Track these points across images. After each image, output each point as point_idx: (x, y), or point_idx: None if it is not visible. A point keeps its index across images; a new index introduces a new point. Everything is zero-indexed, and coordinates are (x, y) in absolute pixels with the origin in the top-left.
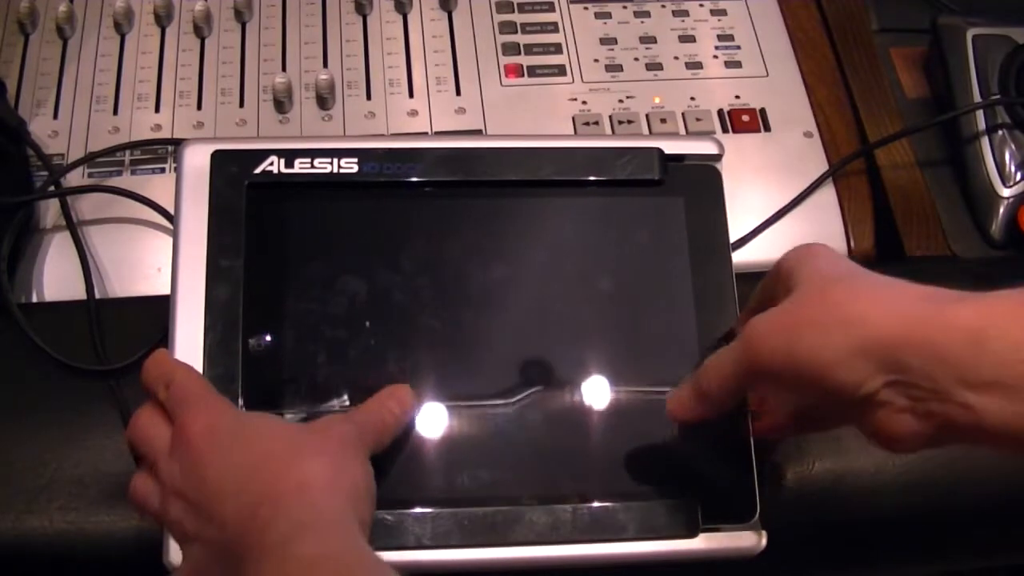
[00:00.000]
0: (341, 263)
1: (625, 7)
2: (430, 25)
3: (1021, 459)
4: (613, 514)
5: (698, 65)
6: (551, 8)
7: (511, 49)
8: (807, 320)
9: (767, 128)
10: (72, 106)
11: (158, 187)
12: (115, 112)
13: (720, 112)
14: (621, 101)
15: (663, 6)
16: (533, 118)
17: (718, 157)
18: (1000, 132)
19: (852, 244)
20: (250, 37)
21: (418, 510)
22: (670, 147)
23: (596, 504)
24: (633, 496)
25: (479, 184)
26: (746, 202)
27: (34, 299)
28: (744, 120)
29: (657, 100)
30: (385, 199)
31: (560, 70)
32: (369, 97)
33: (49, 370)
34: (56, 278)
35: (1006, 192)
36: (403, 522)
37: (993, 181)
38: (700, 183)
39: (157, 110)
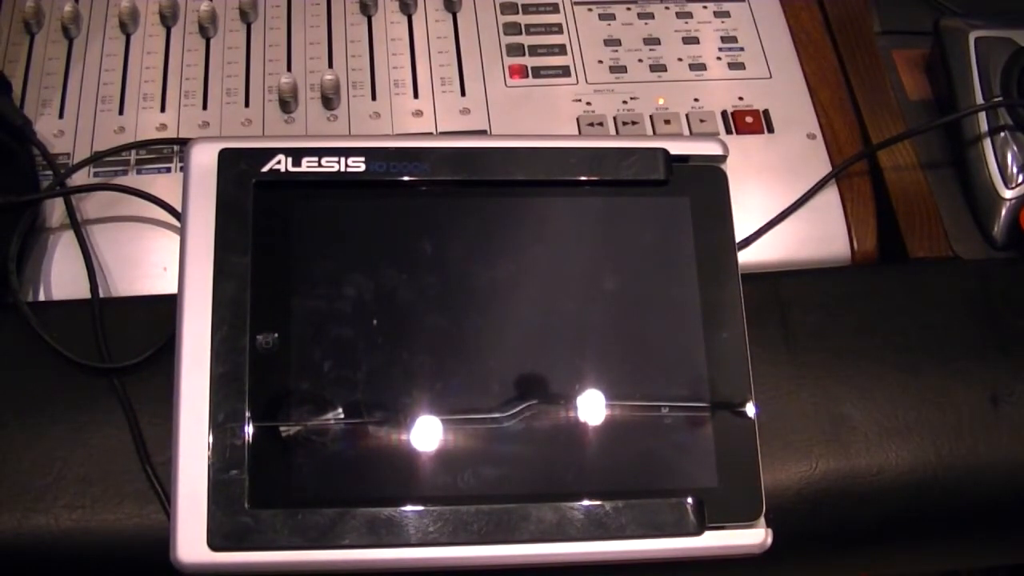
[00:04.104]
0: (348, 261)
1: (629, 9)
2: (434, 26)
3: (1022, 459)
4: (619, 512)
5: (702, 67)
6: (555, 10)
7: (515, 50)
8: None
9: (770, 129)
10: (77, 106)
11: (163, 187)
12: (120, 112)
13: (724, 113)
14: (625, 102)
15: (667, 8)
16: (537, 119)
17: (723, 158)
18: (1002, 134)
19: (855, 245)
20: (255, 37)
21: (422, 507)
22: (675, 148)
23: (602, 502)
24: (639, 494)
25: (486, 184)
26: (749, 203)
27: (41, 298)
28: (747, 122)
29: (661, 101)
30: (392, 198)
31: (564, 71)
32: (374, 97)
33: (55, 368)
34: (62, 277)
35: (1008, 194)
36: (407, 519)
37: (995, 182)
38: (705, 184)
39: (162, 110)
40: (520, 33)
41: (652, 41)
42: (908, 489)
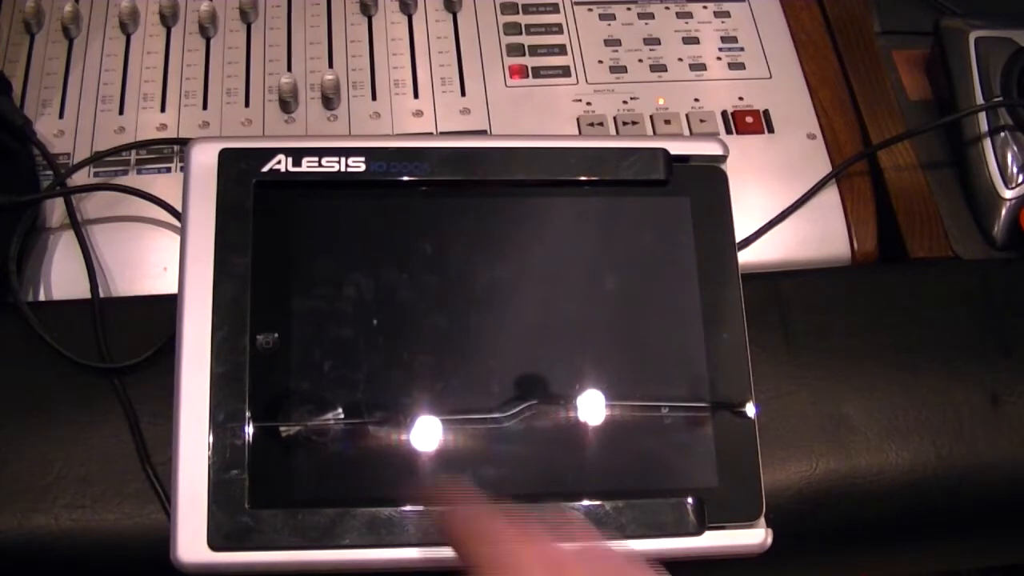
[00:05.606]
0: (348, 261)
1: (629, 9)
2: (435, 26)
3: (1022, 459)
4: (619, 512)
5: (702, 67)
6: (555, 10)
7: (515, 50)
8: None
9: (770, 130)
10: (78, 106)
11: (163, 187)
12: (121, 112)
13: (724, 113)
14: (625, 102)
15: (667, 8)
16: (537, 119)
17: (723, 158)
18: (1002, 134)
19: (855, 246)
20: (255, 37)
21: (422, 507)
22: (675, 148)
23: (602, 502)
24: (639, 494)
25: (486, 184)
26: (749, 203)
27: (41, 298)
28: (747, 122)
29: (661, 101)
30: (392, 198)
31: (564, 71)
32: (374, 97)
33: (55, 368)
34: (62, 277)
35: (1008, 194)
36: (407, 519)
37: (995, 183)
38: (705, 184)
39: (163, 110)
40: (520, 33)
41: (652, 41)
42: (908, 489)
